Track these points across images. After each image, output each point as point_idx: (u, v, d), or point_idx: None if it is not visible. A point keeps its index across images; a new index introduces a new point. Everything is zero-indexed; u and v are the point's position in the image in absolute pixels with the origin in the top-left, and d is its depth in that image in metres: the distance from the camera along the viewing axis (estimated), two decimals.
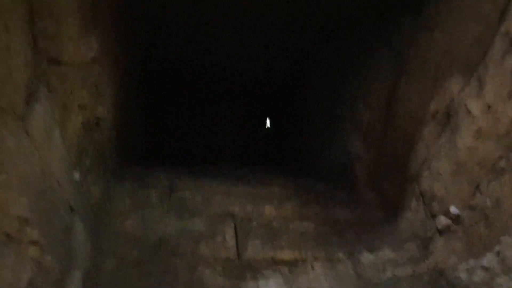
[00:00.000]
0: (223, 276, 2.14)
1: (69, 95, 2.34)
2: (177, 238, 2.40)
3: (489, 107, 2.14)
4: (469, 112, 2.26)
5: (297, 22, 4.06)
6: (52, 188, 1.77)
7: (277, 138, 6.47)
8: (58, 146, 2.00)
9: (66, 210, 1.86)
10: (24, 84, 1.73)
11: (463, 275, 1.97)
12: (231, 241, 2.46)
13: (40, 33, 2.02)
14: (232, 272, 2.20)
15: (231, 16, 4.10)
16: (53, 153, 1.91)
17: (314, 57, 4.70)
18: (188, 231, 2.49)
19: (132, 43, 3.78)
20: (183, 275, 2.11)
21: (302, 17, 3.92)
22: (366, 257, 2.41)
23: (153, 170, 3.43)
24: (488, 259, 1.87)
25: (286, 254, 2.39)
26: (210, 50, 5.00)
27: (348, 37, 3.81)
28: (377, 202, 3.03)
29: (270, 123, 7.04)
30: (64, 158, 2.05)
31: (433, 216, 2.37)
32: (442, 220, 2.28)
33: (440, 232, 2.29)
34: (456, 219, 2.20)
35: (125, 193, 2.83)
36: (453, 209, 2.20)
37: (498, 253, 1.84)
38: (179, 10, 3.95)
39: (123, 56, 3.34)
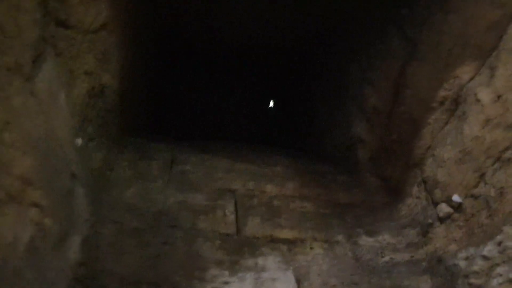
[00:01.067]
0: (222, 250, 2.14)
1: (76, 60, 2.31)
2: (177, 210, 2.40)
3: (499, 96, 2.11)
4: (478, 100, 2.24)
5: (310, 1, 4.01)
6: (55, 151, 1.76)
7: (282, 119, 6.44)
8: (62, 110, 1.98)
9: (67, 175, 1.85)
10: (32, 43, 1.70)
11: (462, 263, 1.97)
12: (231, 217, 2.46)
13: None
14: (231, 247, 2.20)
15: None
16: (58, 117, 1.89)
17: (324, 37, 4.64)
18: (188, 204, 2.49)
19: (143, 10, 3.73)
20: (182, 247, 2.11)
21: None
22: (365, 241, 2.42)
23: (155, 142, 3.40)
24: (489, 248, 1.86)
25: (285, 233, 2.39)
26: (221, 23, 4.94)
27: (358, 18, 3.75)
28: (378, 187, 3.03)
29: (275, 103, 6.99)
30: (68, 123, 2.03)
31: (435, 203, 2.37)
32: (444, 208, 2.28)
33: (441, 219, 2.29)
34: (458, 207, 2.19)
35: (126, 163, 2.81)
36: (455, 197, 2.19)
37: (499, 243, 1.83)
38: None
39: (132, 24, 3.29)
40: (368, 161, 3.29)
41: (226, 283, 1.93)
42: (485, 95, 2.19)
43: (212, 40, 5.58)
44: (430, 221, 2.36)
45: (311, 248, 2.29)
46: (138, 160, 2.90)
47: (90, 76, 2.49)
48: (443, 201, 2.30)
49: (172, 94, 6.44)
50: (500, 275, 1.74)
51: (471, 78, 2.35)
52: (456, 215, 2.19)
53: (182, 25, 5.10)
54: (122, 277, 1.81)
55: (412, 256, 2.26)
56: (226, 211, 2.49)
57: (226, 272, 1.99)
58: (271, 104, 7.10)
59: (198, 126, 6.43)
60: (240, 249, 2.19)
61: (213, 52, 6.02)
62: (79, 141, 2.14)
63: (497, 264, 1.77)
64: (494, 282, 1.75)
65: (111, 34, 2.73)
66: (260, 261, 2.12)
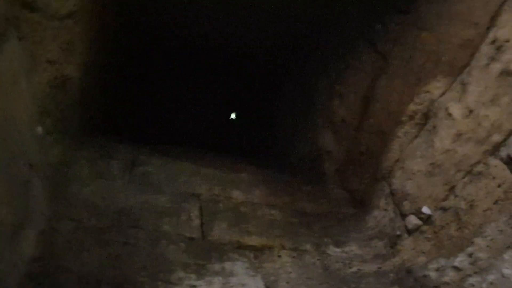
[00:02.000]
0: (187, 253, 2.04)
1: (39, 46, 2.17)
2: (139, 211, 2.27)
3: (470, 111, 2.14)
4: (449, 115, 2.26)
5: (280, 9, 3.99)
6: (12, 137, 1.62)
7: (246, 128, 6.38)
8: (23, 96, 1.84)
9: (25, 164, 1.71)
10: None
11: (432, 274, 1.95)
12: (196, 221, 2.35)
13: None
14: (197, 251, 2.09)
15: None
16: (18, 101, 1.75)
17: (293, 47, 4.64)
18: (151, 205, 2.37)
19: (110, 2, 3.59)
20: (145, 247, 1.99)
21: (288, 6, 3.85)
22: (333, 251, 2.37)
23: (116, 142, 3.26)
24: (460, 260, 1.85)
25: (253, 240, 2.31)
26: (191, 24, 4.85)
27: (329, 31, 3.77)
28: (345, 198, 3.01)
29: (240, 112, 6.93)
30: (27, 110, 1.89)
31: (403, 216, 2.36)
32: (413, 220, 2.27)
33: (409, 231, 2.28)
34: (427, 219, 2.18)
35: (84, 161, 2.67)
36: (425, 209, 2.19)
37: (470, 254, 1.83)
38: None
39: (98, 16, 3.15)
40: (335, 173, 3.28)
41: (193, 286, 1.83)
42: (456, 110, 2.22)
43: (180, 43, 5.49)
44: (398, 233, 2.34)
45: (279, 256, 2.22)
46: (98, 158, 2.75)
47: (52, 65, 2.34)
48: (412, 213, 2.29)
49: (135, 95, 6.26)
50: (473, 285, 1.72)
51: (442, 93, 2.38)
52: (425, 227, 2.18)
53: (148, 23, 4.99)
54: (80, 275, 1.67)
55: (379, 268, 2.23)
56: (191, 214, 2.38)
57: (193, 275, 1.88)
58: (236, 112, 7.03)
59: (160, 130, 6.25)
60: (206, 254, 2.09)
61: (180, 56, 5.92)
62: (39, 129, 1.99)
63: (469, 275, 1.76)
64: None
65: (77, 24, 2.59)
66: (228, 266, 2.02)
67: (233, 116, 7.06)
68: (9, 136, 1.56)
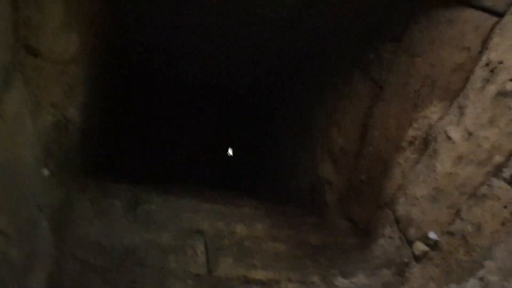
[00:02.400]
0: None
1: (43, 90, 2.20)
2: (144, 249, 2.26)
3: (470, 133, 2.17)
4: (449, 138, 2.29)
5: (272, 43, 4.07)
6: (21, 179, 1.63)
7: (245, 162, 6.39)
8: (29, 138, 1.86)
9: (33, 205, 1.71)
10: (2, 66, 1.60)
11: None
12: (201, 257, 2.34)
13: (23, 20, 1.90)
14: (204, 287, 2.08)
15: (207, 33, 4.08)
16: (25, 144, 1.77)
17: (288, 79, 4.72)
18: (156, 243, 2.36)
19: (108, 45, 3.67)
20: (152, 286, 1.97)
21: (278, 38, 3.93)
22: (340, 282, 2.35)
23: (117, 183, 3.26)
24: (471, 284, 1.85)
25: (259, 274, 2.29)
26: (183, 63, 4.94)
27: (324, 61, 3.84)
28: (348, 228, 3.00)
29: (238, 146, 6.95)
30: (34, 152, 1.91)
31: (409, 242, 2.35)
32: (419, 246, 2.26)
33: (417, 258, 2.26)
34: (434, 245, 2.18)
35: (88, 202, 2.66)
36: (432, 235, 2.19)
37: (481, 278, 1.82)
38: (156, 20, 3.89)
39: (99, 58, 3.22)
40: (337, 203, 3.28)
41: None
42: (456, 133, 2.25)
43: (177, 81, 5.57)
44: (405, 260, 2.33)
45: None
46: (101, 198, 2.75)
47: (55, 108, 2.37)
48: (418, 240, 2.29)
49: (135, 132, 6.30)
50: None
51: (440, 118, 2.42)
52: (432, 253, 2.17)
53: (146, 61, 5.07)
54: None
55: None
56: (197, 250, 2.37)
57: None
58: (234, 147, 7.06)
59: (159, 167, 6.27)
60: None
61: (177, 93, 6.01)
62: (45, 171, 2.00)
63: None
64: None
65: (79, 68, 2.65)
66: None
67: (230, 150, 7.08)
68: (18, 178, 1.57)
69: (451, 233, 2.11)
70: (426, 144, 2.49)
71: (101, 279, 1.93)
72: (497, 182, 1.97)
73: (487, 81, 2.15)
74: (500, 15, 2.21)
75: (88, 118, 3.18)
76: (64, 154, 2.59)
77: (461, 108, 2.27)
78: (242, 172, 6.34)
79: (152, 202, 2.89)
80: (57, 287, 1.76)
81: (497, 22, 2.21)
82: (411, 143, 2.60)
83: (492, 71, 2.13)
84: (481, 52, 2.25)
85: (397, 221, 2.53)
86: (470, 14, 2.34)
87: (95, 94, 3.41)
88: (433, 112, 2.48)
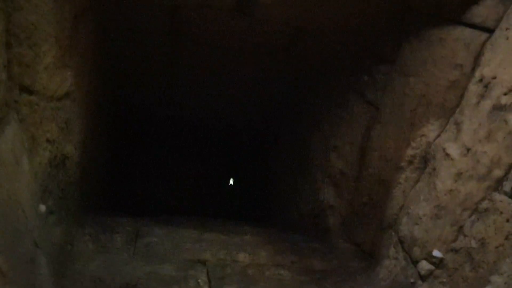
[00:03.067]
0: None
1: (38, 127, 2.20)
2: (146, 282, 2.23)
3: (468, 149, 2.17)
4: (447, 155, 2.28)
5: (267, 76, 4.11)
6: (17, 216, 1.61)
7: (244, 193, 6.36)
8: (25, 175, 1.85)
9: (30, 242, 1.69)
10: None
11: None
12: (204, 287, 2.30)
13: (16, 58, 1.91)
14: None
15: (199, 79, 4.16)
16: (21, 180, 1.75)
17: (284, 109, 4.74)
18: (158, 275, 2.32)
19: (103, 82, 3.70)
20: None
21: (272, 71, 3.96)
22: None
23: (116, 217, 3.24)
24: None
25: None
26: (179, 101, 4.98)
27: (319, 88, 3.86)
28: (353, 252, 2.96)
29: (237, 177, 6.94)
30: (30, 189, 1.89)
31: (415, 262, 2.32)
32: (425, 265, 2.23)
33: (423, 277, 2.23)
34: (439, 263, 2.15)
35: (87, 237, 2.64)
36: (436, 253, 2.16)
37: None
38: (152, 61, 3.94)
39: (94, 94, 3.24)
40: (340, 227, 3.25)
41: None
42: (454, 150, 2.24)
43: (177, 119, 5.60)
44: (411, 280, 2.29)
45: None
46: (101, 233, 2.73)
47: (52, 145, 2.37)
48: (423, 259, 2.25)
49: (132, 167, 6.29)
50: None
51: (438, 135, 2.42)
52: (438, 271, 2.14)
53: (142, 99, 5.10)
54: None
55: None
56: (199, 281, 2.33)
57: None
58: (233, 178, 7.04)
59: (159, 203, 6.23)
60: None
61: (177, 128, 6.03)
62: (42, 207, 1.98)
63: None
64: None
65: (74, 103, 2.66)
66: None
67: (231, 182, 7.06)
68: (14, 214, 1.56)
69: (455, 250, 2.08)
70: (425, 163, 2.49)
71: None
72: (498, 196, 1.96)
73: (482, 96, 2.16)
74: (490, 31, 2.23)
75: (86, 154, 3.18)
76: (62, 191, 2.57)
77: (458, 125, 2.27)
78: (244, 204, 6.30)
79: (153, 234, 2.87)
80: None
81: (488, 38, 2.23)
82: (410, 162, 2.59)
83: (486, 86, 2.14)
84: (474, 69, 2.27)
85: (401, 241, 2.50)
86: (460, 32, 2.36)
87: (93, 130, 3.41)
88: (430, 130, 2.48)
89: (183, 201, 6.56)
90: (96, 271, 2.24)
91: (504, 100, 2.02)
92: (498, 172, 1.99)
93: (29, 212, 1.78)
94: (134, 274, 2.28)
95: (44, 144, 2.29)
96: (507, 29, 2.11)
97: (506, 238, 1.86)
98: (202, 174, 6.94)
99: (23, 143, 1.91)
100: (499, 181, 1.98)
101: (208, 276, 2.41)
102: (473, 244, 1.99)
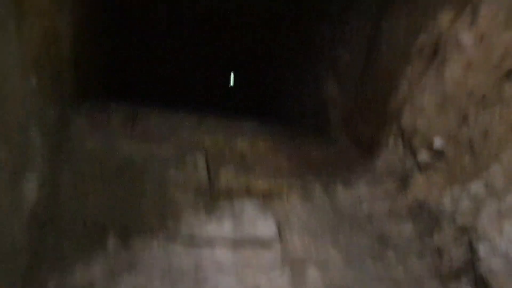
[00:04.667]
0: (196, 197, 2.00)
1: None
2: (143, 161, 2.22)
3: (482, 37, 2.04)
4: (459, 44, 2.16)
5: None
6: (5, 80, 1.54)
7: (246, 89, 6.27)
8: (12, 43, 1.75)
9: (21, 108, 1.64)
10: None
11: (447, 205, 1.90)
12: (202, 171, 2.30)
13: None
14: (206, 196, 2.06)
15: None
16: (9, 53, 1.66)
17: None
18: (156, 156, 2.31)
19: None
20: (153, 194, 1.95)
21: None
22: (342, 192, 2.33)
23: (114, 102, 3.18)
24: (476, 186, 1.80)
25: (261, 184, 2.26)
26: None
27: None
28: (352, 145, 2.94)
29: (239, 69, 6.77)
30: (19, 61, 1.80)
31: (414, 152, 2.29)
32: (424, 154, 2.20)
33: (421, 166, 2.21)
34: (439, 152, 2.12)
35: (83, 118, 2.59)
36: (437, 141, 2.11)
37: (486, 180, 1.77)
38: None
39: None
40: (341, 122, 3.20)
41: (204, 223, 1.79)
42: (467, 37, 2.12)
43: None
44: (409, 169, 2.28)
45: (288, 198, 2.18)
46: (97, 116, 2.68)
47: (43, 17, 2.24)
48: (423, 148, 2.22)
49: (130, 56, 6.14)
50: (489, 211, 1.67)
51: (451, 24, 2.27)
52: (437, 160, 2.12)
53: None
54: (85, 219, 1.62)
55: (392, 205, 2.19)
56: (197, 164, 2.33)
57: (203, 217, 1.85)
58: (236, 73, 6.88)
59: (158, 94, 6.15)
60: (216, 197, 2.06)
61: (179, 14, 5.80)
62: (33, 80, 1.90)
63: (485, 200, 1.71)
64: (483, 219, 1.68)
65: None
66: (238, 206, 2.00)
67: (235, 72, 6.87)
68: (2, 85, 1.48)
69: (457, 140, 2.04)
70: (435, 53, 2.37)
71: (98, 187, 1.89)
72: (507, 89, 1.87)
73: None
74: None
75: (81, 33, 3.04)
76: (55, 69, 2.49)
77: (474, 12, 2.12)
78: (245, 99, 6.23)
79: (150, 119, 2.83)
80: (52, 191, 1.72)
81: None
82: (419, 53, 2.47)
83: None
84: None
85: (401, 131, 2.46)
86: None
87: (91, 10, 3.26)
88: (445, 18, 2.33)
89: (184, 91, 6.46)
90: (93, 149, 2.22)
91: None
92: (509, 63, 1.89)
93: (18, 80, 1.71)
94: (131, 153, 2.27)
95: (34, 16, 2.16)
96: None
97: (511, 129, 1.80)
98: (205, 65, 6.74)
99: (12, 13, 1.79)
100: (510, 72, 1.88)
101: (206, 160, 2.41)
102: (476, 135, 1.94)
